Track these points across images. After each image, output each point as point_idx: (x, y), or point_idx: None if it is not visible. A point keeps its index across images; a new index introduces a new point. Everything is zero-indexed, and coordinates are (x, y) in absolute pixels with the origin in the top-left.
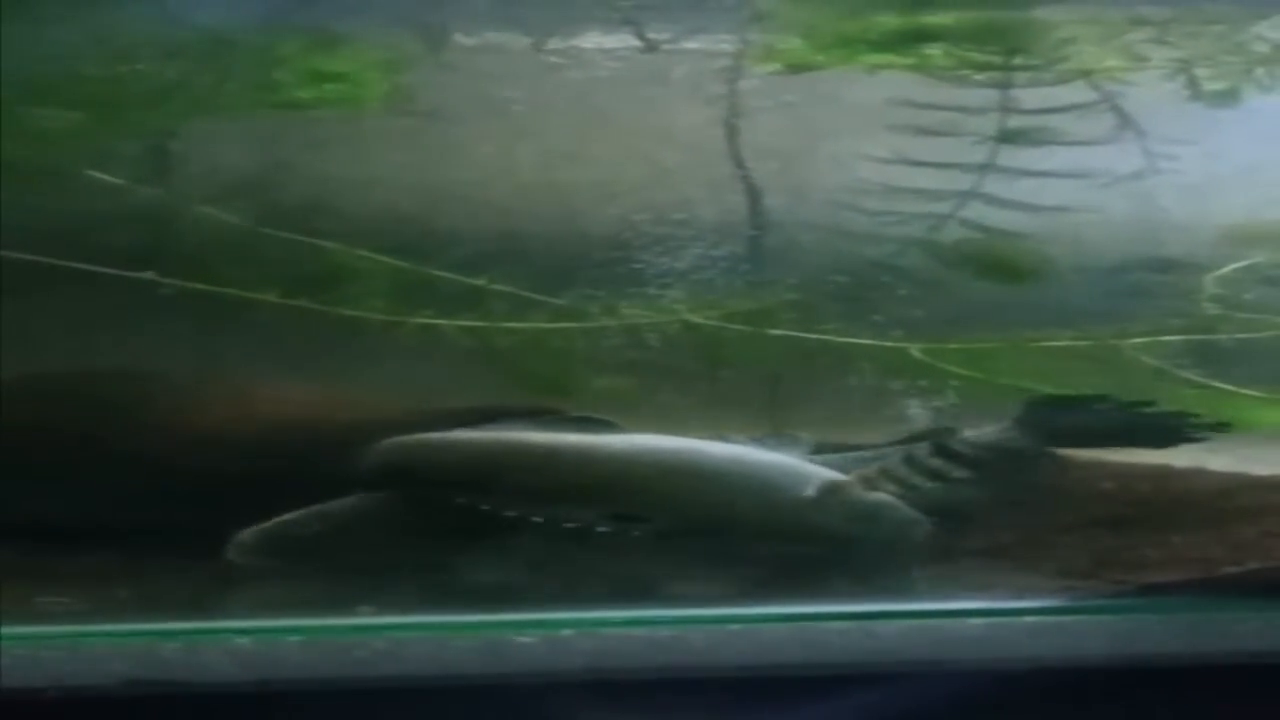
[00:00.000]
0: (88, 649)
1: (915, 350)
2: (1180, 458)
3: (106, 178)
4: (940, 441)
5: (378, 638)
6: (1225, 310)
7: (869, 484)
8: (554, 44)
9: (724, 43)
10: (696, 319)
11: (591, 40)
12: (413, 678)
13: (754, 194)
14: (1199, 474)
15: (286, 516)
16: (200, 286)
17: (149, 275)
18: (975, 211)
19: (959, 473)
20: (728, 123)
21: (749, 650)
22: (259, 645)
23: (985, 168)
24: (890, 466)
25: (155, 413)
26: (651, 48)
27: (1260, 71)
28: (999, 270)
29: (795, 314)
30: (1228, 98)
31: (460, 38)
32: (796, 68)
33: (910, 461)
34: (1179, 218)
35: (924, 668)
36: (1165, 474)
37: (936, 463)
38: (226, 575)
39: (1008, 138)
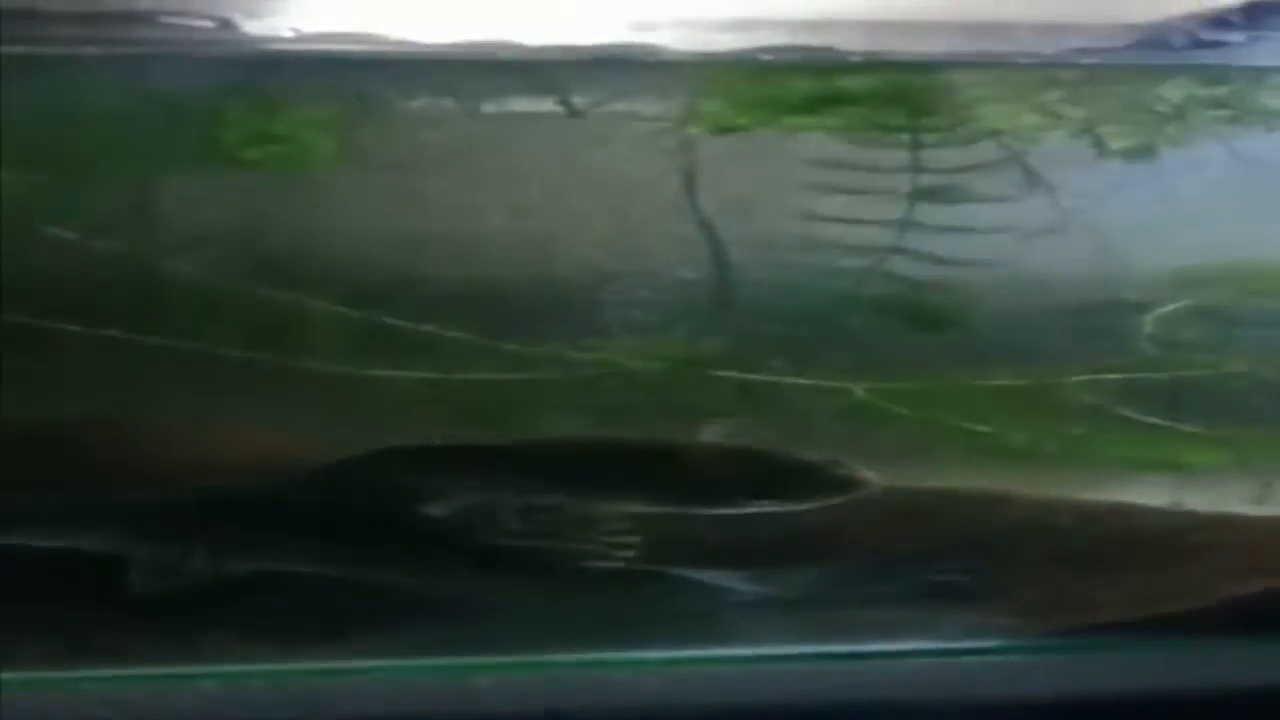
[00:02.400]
0: (53, 695)
1: (859, 391)
2: (1150, 495)
3: (63, 233)
4: None
5: (342, 681)
6: (1165, 350)
7: None
8: (487, 109)
9: (651, 106)
10: (644, 365)
11: (520, 105)
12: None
13: (713, 246)
14: (1163, 513)
15: None
16: (157, 340)
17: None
18: (909, 266)
19: None
20: (683, 179)
21: (702, 691)
22: (226, 689)
23: (909, 224)
24: None
25: (117, 462)
26: (577, 113)
27: (1169, 129)
28: (937, 319)
29: (745, 359)
30: (1136, 154)
31: (396, 103)
32: (721, 129)
33: None
34: (1113, 266)
35: (876, 708)
36: (1131, 512)
37: None
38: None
39: (930, 195)
